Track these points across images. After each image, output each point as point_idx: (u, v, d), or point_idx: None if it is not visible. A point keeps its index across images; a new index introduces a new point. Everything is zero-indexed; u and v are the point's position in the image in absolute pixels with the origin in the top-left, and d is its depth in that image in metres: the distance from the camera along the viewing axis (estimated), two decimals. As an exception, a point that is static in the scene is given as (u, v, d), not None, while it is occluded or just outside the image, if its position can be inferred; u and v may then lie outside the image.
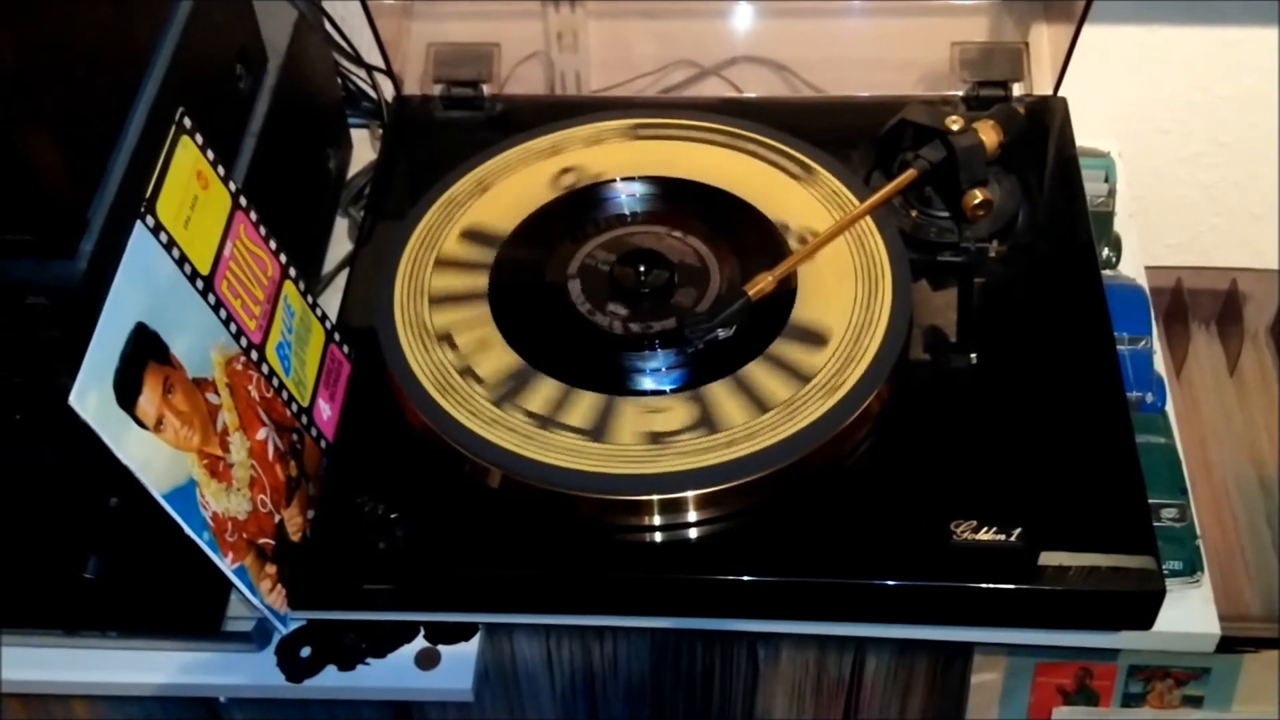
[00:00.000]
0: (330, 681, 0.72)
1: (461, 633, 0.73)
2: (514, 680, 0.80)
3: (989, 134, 0.75)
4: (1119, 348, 0.73)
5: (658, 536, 0.66)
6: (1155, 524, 0.65)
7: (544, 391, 0.69)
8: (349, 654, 0.73)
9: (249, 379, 0.67)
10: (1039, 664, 0.78)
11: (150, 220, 0.60)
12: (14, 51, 0.56)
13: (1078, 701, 0.79)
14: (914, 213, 0.78)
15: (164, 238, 0.60)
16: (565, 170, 0.80)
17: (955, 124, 0.75)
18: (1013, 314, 0.74)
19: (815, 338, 0.70)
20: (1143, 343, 0.80)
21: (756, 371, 0.69)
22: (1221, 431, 0.86)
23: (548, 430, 0.67)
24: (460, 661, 0.73)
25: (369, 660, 0.72)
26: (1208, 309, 0.94)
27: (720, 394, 0.68)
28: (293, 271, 0.71)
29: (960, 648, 0.78)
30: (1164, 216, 1.06)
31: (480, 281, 0.75)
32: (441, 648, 0.73)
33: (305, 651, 0.72)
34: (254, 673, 0.72)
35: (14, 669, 0.73)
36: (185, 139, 0.63)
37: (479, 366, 0.70)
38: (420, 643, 0.73)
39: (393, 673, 0.72)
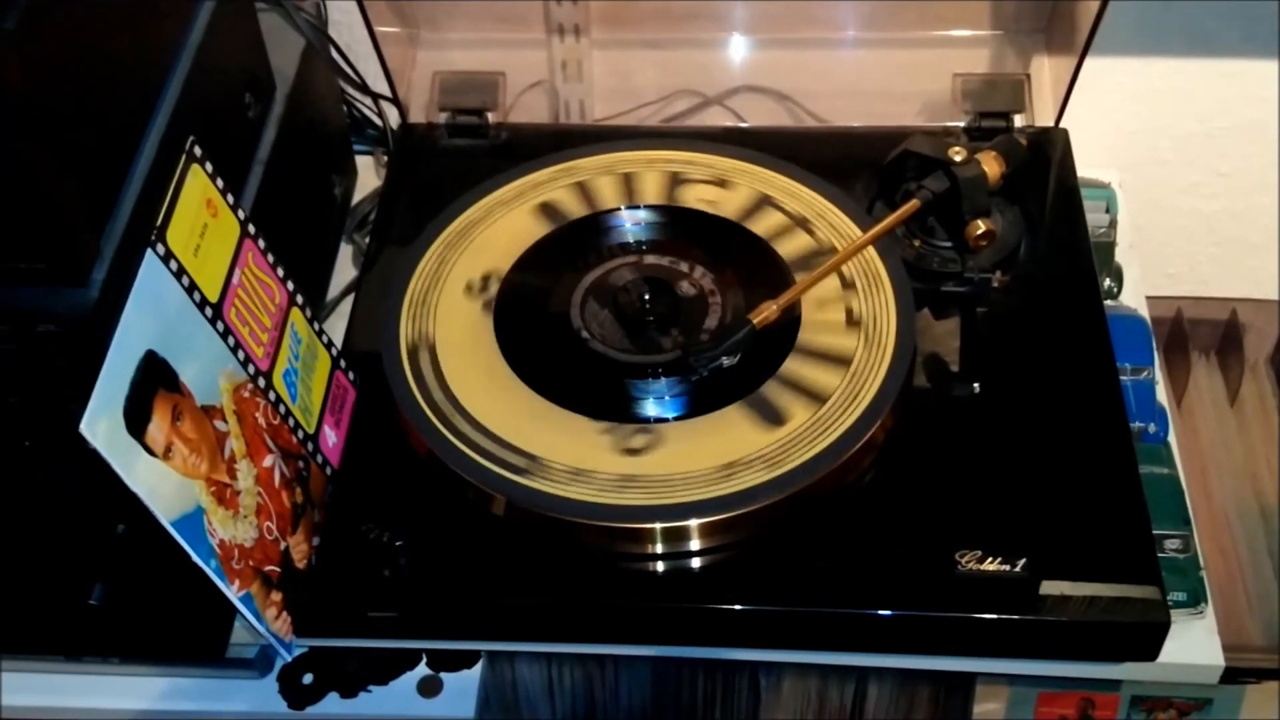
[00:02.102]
0: (332, 709, 0.71)
1: (464, 660, 0.73)
2: (515, 708, 0.80)
3: (991, 165, 0.76)
4: (1122, 378, 0.73)
5: (661, 565, 0.66)
6: (1159, 555, 0.65)
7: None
8: (351, 681, 0.72)
9: (256, 406, 0.67)
10: (1041, 694, 0.78)
11: (160, 249, 0.60)
12: (27, 80, 0.57)
13: (1080, 731, 0.79)
14: (917, 243, 0.78)
15: (174, 266, 0.61)
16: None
17: (958, 155, 0.75)
18: (1016, 344, 0.74)
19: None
20: (1145, 373, 0.80)
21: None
22: (1222, 461, 0.87)
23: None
24: (462, 689, 0.72)
25: (371, 687, 0.72)
26: (1207, 339, 0.94)
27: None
28: (300, 299, 0.72)
29: (962, 677, 0.77)
30: (1163, 246, 1.06)
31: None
32: (444, 675, 0.73)
33: (307, 678, 0.72)
34: (256, 700, 0.72)
35: (16, 694, 0.72)
36: (195, 167, 0.63)
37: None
38: (422, 670, 0.73)
39: (395, 700, 0.72)
